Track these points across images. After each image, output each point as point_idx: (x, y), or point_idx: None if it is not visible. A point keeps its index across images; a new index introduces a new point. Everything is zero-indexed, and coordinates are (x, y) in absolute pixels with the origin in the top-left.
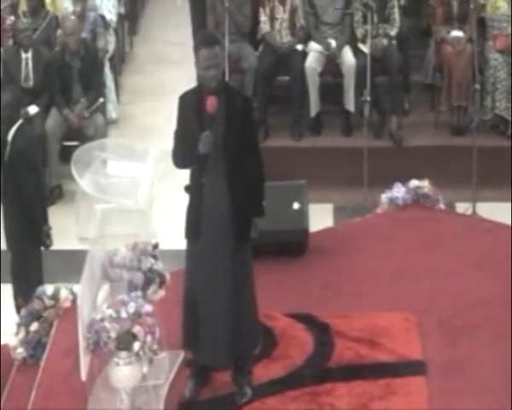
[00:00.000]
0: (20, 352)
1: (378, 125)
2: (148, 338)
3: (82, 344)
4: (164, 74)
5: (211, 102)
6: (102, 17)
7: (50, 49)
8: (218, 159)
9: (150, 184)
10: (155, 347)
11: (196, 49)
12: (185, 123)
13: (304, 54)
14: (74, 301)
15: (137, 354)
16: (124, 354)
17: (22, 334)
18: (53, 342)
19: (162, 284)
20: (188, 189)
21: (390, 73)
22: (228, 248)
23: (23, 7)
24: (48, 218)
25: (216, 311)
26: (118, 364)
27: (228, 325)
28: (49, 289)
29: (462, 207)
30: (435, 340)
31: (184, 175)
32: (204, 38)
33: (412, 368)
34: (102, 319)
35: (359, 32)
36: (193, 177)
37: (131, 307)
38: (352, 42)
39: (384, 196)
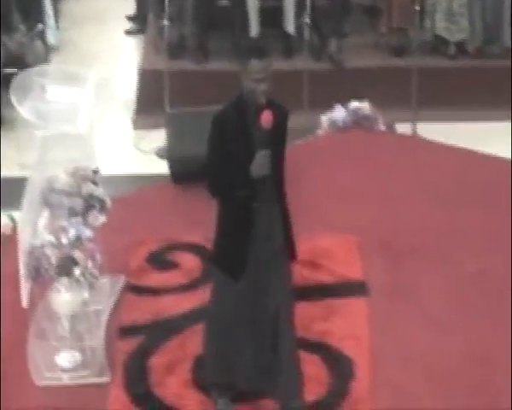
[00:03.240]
0: None
1: (318, 47)
2: (89, 264)
3: (23, 271)
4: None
5: (267, 117)
6: None
7: None
8: (270, 179)
9: (90, 110)
10: (96, 272)
11: (245, 59)
12: (230, 145)
13: None
14: (15, 229)
15: (78, 280)
16: (64, 279)
17: None
18: None
19: (103, 209)
20: (224, 217)
21: None
22: (282, 271)
23: None
24: None
25: (280, 339)
26: (59, 290)
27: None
28: None
29: (403, 128)
30: (377, 262)
31: (127, 101)
32: (255, 48)
33: (353, 289)
34: (43, 246)
35: None
36: (231, 203)
37: (72, 233)
38: None
39: (324, 118)
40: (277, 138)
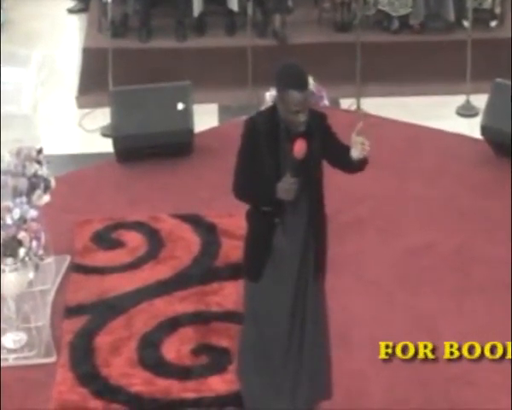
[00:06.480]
0: None
1: (262, 23)
2: (34, 244)
3: None
4: None
5: (300, 147)
6: None
7: None
8: (299, 200)
9: (33, 89)
10: (41, 252)
11: (282, 87)
12: (258, 155)
13: None
14: None
15: (23, 260)
16: (9, 260)
17: None
18: None
19: (47, 189)
20: (249, 217)
21: None
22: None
23: None
24: None
25: (300, 350)
26: (4, 271)
27: (312, 363)
28: None
29: (347, 103)
30: None
31: (70, 80)
32: (295, 79)
33: None
34: None
35: None
36: (258, 212)
37: (16, 213)
38: None
39: (268, 95)
40: (314, 163)
